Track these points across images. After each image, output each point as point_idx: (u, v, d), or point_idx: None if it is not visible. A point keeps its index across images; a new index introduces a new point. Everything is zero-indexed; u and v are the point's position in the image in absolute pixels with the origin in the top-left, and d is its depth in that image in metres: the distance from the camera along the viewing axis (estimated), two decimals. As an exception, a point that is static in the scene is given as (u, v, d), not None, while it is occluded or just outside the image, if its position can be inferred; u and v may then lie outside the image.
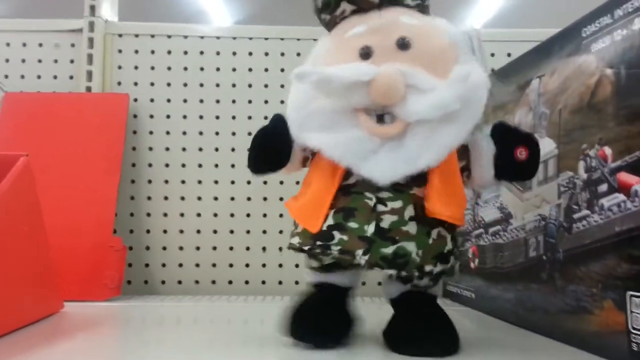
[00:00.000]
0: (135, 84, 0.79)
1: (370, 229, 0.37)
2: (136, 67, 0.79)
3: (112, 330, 0.53)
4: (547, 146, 0.47)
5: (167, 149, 0.78)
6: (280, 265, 0.76)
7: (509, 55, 0.77)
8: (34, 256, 0.52)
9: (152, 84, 0.79)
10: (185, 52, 0.79)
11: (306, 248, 0.39)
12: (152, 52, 0.79)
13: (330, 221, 0.38)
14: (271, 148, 0.41)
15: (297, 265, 0.76)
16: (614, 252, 0.38)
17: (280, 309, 0.43)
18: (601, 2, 0.41)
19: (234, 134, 0.78)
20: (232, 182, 0.77)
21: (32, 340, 0.44)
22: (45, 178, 0.52)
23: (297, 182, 0.76)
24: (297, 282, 0.76)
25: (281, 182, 0.77)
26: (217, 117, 0.78)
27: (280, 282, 0.76)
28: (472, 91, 0.38)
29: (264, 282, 0.76)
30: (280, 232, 0.76)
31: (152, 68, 0.79)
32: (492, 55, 0.78)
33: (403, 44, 0.38)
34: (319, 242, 0.38)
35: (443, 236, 0.40)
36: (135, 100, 0.78)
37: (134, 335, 0.51)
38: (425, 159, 0.37)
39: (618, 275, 0.37)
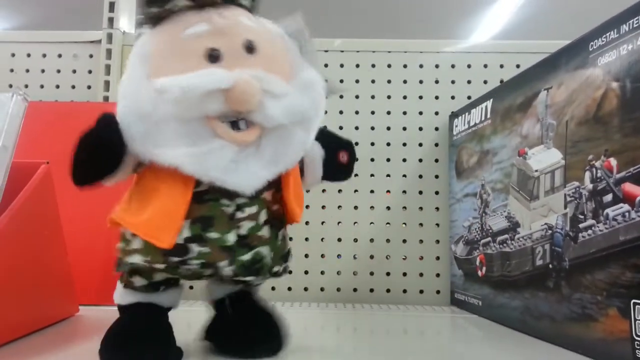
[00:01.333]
0: (151, 93, 0.80)
1: (231, 238, 0.36)
2: (152, 77, 0.81)
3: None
4: (554, 157, 0.48)
5: (181, 157, 0.79)
6: (290, 273, 0.77)
7: (517, 66, 0.78)
8: (53, 260, 0.53)
9: (167, 94, 0.80)
10: (200, 63, 0.81)
11: (160, 266, 0.36)
12: (168, 62, 0.81)
13: (185, 233, 0.36)
14: (101, 155, 0.36)
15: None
16: (618, 261, 0.39)
17: (292, 314, 0.43)
18: (608, 17, 0.42)
19: (246, 143, 0.79)
20: (244, 190, 0.78)
21: (48, 342, 0.46)
22: (62, 184, 0.54)
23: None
24: (305, 289, 0.77)
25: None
26: (230, 127, 0.80)
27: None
28: (318, 96, 0.39)
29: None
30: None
31: (168, 78, 0.81)
32: (502, 66, 0.79)
33: (250, 48, 0.37)
34: (174, 258, 0.36)
35: (285, 237, 0.41)
36: (151, 109, 0.80)
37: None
38: (283, 163, 0.37)
39: (622, 283, 0.38)
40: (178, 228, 0.35)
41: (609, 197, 0.41)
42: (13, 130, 0.47)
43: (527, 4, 2.90)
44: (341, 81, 0.80)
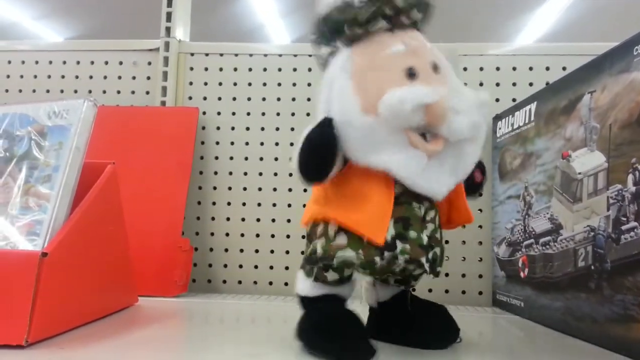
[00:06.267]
0: (205, 98, 0.85)
1: (424, 238, 0.40)
2: (205, 83, 0.85)
3: (180, 324, 0.58)
4: (597, 159, 0.49)
5: (231, 158, 0.83)
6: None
7: (564, 69, 0.78)
8: (117, 254, 0.57)
9: (219, 99, 0.85)
10: (250, 69, 0.85)
11: (377, 259, 0.39)
12: (220, 69, 0.85)
13: (391, 231, 0.39)
14: (326, 158, 0.40)
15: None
16: (660, 263, 0.39)
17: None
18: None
19: (292, 144, 0.82)
20: (290, 190, 0.82)
21: (111, 329, 0.50)
22: (123, 183, 0.57)
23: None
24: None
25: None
26: (277, 129, 0.83)
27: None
28: (488, 115, 0.43)
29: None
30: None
31: (220, 84, 0.85)
32: (547, 69, 0.79)
33: (435, 67, 0.41)
34: (387, 253, 0.39)
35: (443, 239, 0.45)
36: (204, 113, 0.84)
37: (198, 328, 0.55)
38: (461, 173, 0.41)
39: (663, 284, 0.38)
40: (386, 226, 0.39)
41: (651, 200, 0.41)
42: (84, 133, 0.51)
43: (573, 6, 2.82)
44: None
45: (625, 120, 0.45)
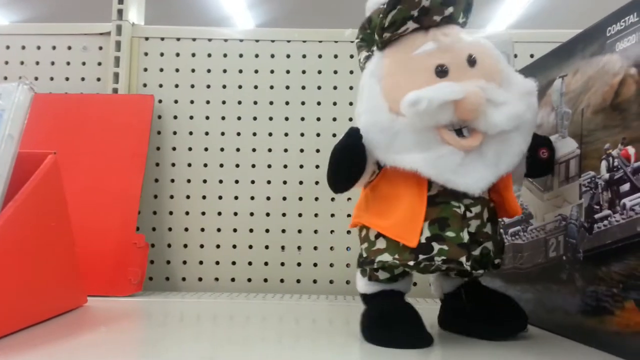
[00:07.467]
0: (160, 85, 0.80)
1: (465, 236, 0.40)
2: (161, 70, 0.81)
3: (134, 325, 0.54)
4: (569, 146, 0.47)
5: (190, 149, 0.79)
6: (299, 264, 0.77)
7: (531, 56, 0.76)
8: (61, 251, 0.53)
9: (176, 86, 0.80)
10: (209, 55, 0.81)
11: (411, 263, 0.41)
12: (177, 54, 0.81)
13: (426, 233, 0.40)
14: (353, 166, 0.42)
15: (315, 265, 0.77)
16: (636, 252, 0.37)
17: (299, 306, 0.43)
18: (626, 2, 0.41)
19: (254, 134, 0.79)
20: (252, 182, 0.78)
21: (55, 332, 0.46)
22: (72, 176, 0.54)
23: (317, 183, 0.77)
24: (315, 281, 0.76)
25: (300, 182, 0.78)
26: (239, 118, 0.80)
27: (298, 281, 0.77)
28: (534, 103, 0.42)
29: (282, 281, 0.77)
30: (299, 231, 0.77)
31: (177, 70, 0.81)
32: (515, 56, 0.77)
33: (471, 61, 0.41)
34: (422, 256, 0.40)
35: (501, 232, 0.46)
36: (160, 101, 0.79)
37: (154, 330, 0.52)
38: (504, 165, 0.41)
39: (640, 275, 0.37)
40: (420, 229, 0.40)
41: (626, 187, 0.39)
42: (19, 119, 0.47)
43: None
44: (351, 72, 0.79)
45: (599, 104, 0.43)
